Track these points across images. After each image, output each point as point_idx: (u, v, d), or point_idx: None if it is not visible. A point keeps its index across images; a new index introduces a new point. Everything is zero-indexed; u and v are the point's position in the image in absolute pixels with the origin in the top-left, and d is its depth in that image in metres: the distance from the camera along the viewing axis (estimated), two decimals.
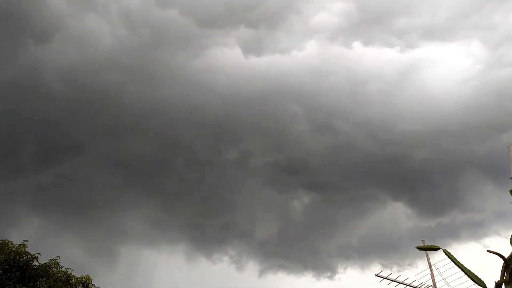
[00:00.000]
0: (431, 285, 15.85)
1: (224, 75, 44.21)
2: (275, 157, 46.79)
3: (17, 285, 15.04)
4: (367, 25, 46.55)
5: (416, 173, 44.70)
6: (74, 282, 16.19)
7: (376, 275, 16.41)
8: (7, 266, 15.39)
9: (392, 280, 16.37)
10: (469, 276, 2.90)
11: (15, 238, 16.39)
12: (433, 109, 44.71)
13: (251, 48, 44.75)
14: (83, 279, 16.50)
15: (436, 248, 3.21)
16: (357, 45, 46.50)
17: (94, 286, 16.76)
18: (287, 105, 45.53)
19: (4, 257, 15.47)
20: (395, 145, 43.70)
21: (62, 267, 16.63)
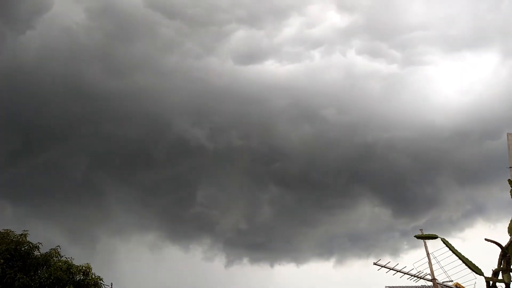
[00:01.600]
0: (428, 273, 16.00)
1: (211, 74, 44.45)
2: (255, 147, 46.96)
3: (18, 274, 15.15)
4: (372, 36, 47.27)
5: (396, 176, 45.66)
6: (74, 270, 16.31)
7: (374, 263, 16.54)
8: (8, 256, 15.49)
9: (390, 269, 16.50)
10: (466, 264, 2.93)
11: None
12: (425, 116, 45.70)
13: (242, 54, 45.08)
14: (83, 268, 16.62)
15: (434, 237, 3.24)
16: (356, 53, 47.25)
17: (94, 274, 16.90)
18: (274, 100, 45.78)
19: (5, 247, 15.57)
20: (379, 147, 44.55)
21: (62, 256, 16.75)
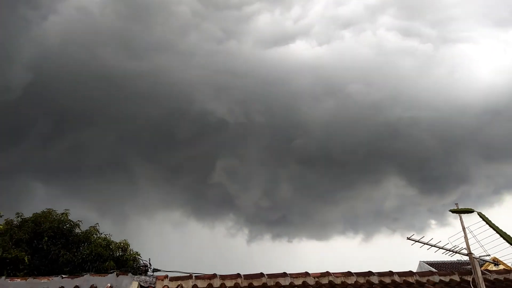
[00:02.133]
0: (464, 248, 15.69)
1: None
2: (278, 124, 46.41)
3: (61, 250, 15.94)
4: (405, 13, 45.70)
5: (424, 153, 44.46)
6: (113, 247, 17.00)
7: (408, 238, 16.34)
8: (51, 233, 16.30)
9: (424, 243, 16.27)
10: (504, 238, 2.86)
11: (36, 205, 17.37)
12: (457, 94, 44.09)
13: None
14: (122, 244, 17.30)
15: (470, 211, 3.17)
16: (388, 30, 45.73)
17: (132, 250, 17.55)
18: (300, 79, 45.14)
19: (48, 225, 16.38)
20: (407, 124, 43.41)
21: (101, 233, 17.48)
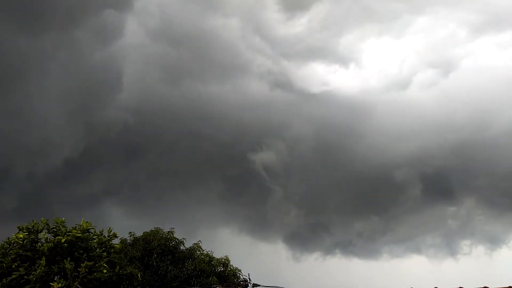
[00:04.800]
0: None
1: None
2: None
3: (169, 266, 17.15)
4: None
5: None
6: (215, 263, 17.86)
7: None
8: (160, 250, 17.64)
9: None
10: None
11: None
12: None
13: None
14: (223, 260, 18.11)
15: None
16: None
17: (232, 266, 18.24)
18: None
19: (157, 243, 17.76)
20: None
21: (204, 250, 18.47)
